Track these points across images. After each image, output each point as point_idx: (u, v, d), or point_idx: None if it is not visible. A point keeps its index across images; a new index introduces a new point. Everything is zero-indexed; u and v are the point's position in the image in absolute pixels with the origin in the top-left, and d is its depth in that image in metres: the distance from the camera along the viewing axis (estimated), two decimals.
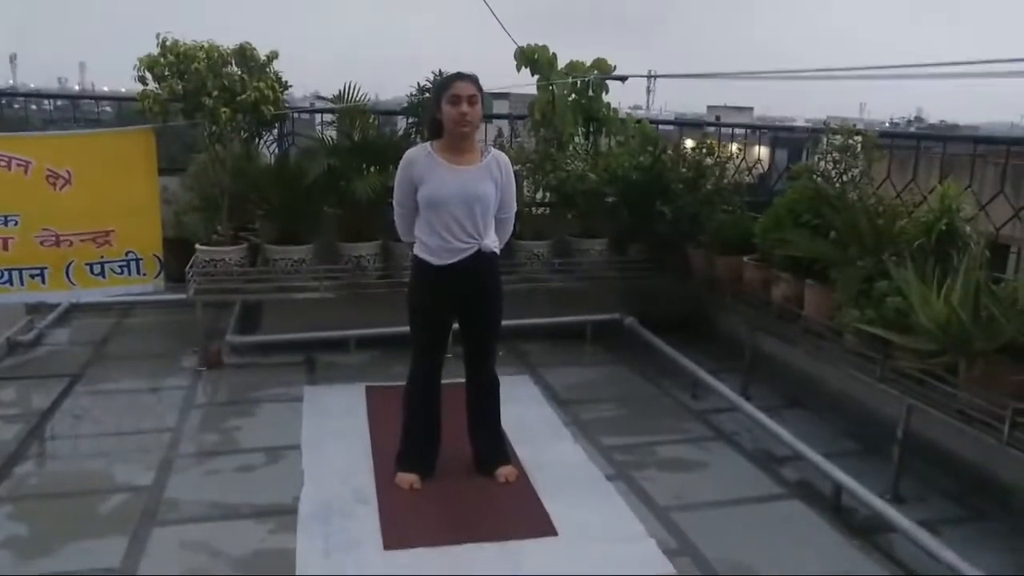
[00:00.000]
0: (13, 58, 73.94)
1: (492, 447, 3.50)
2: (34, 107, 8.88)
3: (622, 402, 4.47)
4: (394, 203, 3.38)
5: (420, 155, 3.24)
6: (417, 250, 3.30)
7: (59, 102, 9.10)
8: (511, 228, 3.52)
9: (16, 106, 8.61)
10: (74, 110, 8.00)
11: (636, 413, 4.33)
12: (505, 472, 3.44)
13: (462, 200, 3.17)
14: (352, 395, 4.37)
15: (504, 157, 3.37)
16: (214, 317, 5.21)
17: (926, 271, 3.21)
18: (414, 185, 3.23)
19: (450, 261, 3.22)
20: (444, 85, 3.19)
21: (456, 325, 3.44)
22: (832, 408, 4.19)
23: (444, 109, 3.15)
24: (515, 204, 3.46)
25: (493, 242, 3.31)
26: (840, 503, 3.28)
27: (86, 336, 5.30)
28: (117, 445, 3.78)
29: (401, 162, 3.30)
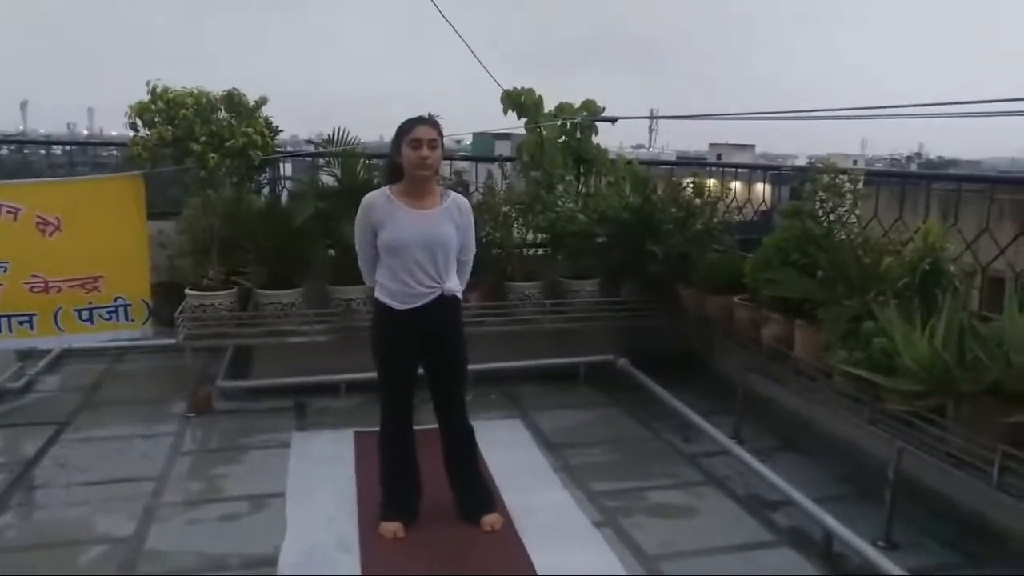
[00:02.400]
0: (24, 104, 74.93)
1: (475, 495, 3.44)
2: (43, 152, 9.01)
3: (613, 446, 4.41)
4: (357, 248, 3.37)
5: (379, 199, 3.23)
6: (379, 294, 3.28)
7: (66, 147, 9.21)
8: (470, 271, 3.50)
9: (26, 151, 8.74)
10: (71, 156, 8.09)
11: (627, 457, 4.26)
12: (490, 520, 3.37)
13: (423, 244, 3.16)
14: (340, 441, 4.31)
15: (464, 201, 3.38)
16: (206, 362, 5.19)
17: (911, 311, 3.18)
18: (374, 229, 3.22)
19: (412, 306, 3.20)
20: (405, 129, 3.18)
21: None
22: (824, 451, 4.12)
23: (404, 152, 3.15)
24: (474, 247, 3.46)
25: (456, 285, 3.30)
26: (831, 550, 3.20)
27: (77, 382, 5.27)
28: (101, 494, 3.72)
29: (360, 206, 3.29)
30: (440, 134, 3.20)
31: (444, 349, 3.31)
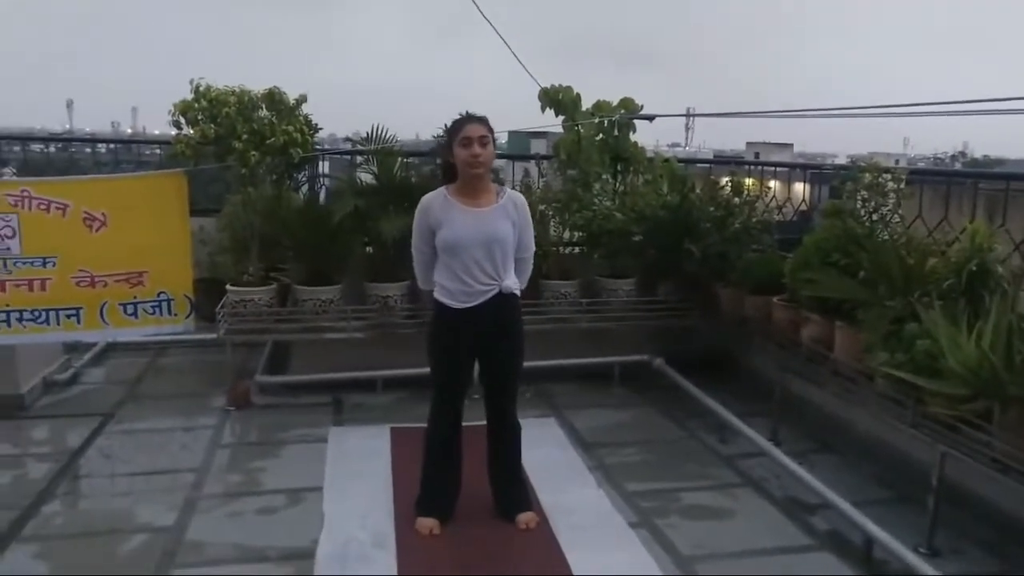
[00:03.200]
0: (70, 104, 76.72)
1: (513, 493, 3.45)
2: (88, 150, 9.21)
3: (649, 446, 4.38)
4: (413, 249, 3.39)
5: (436, 200, 3.26)
6: (438, 294, 3.29)
7: (111, 145, 9.41)
8: (531, 268, 3.49)
9: (73, 149, 8.94)
10: (116, 154, 8.25)
11: (662, 457, 4.24)
12: (526, 519, 3.38)
13: (481, 242, 3.17)
14: (377, 437, 4.35)
15: (520, 197, 3.38)
16: (245, 357, 5.26)
17: (956, 313, 3.11)
18: (431, 230, 3.24)
19: (471, 304, 3.20)
20: (455, 128, 3.21)
21: (477, 368, 3.43)
22: (863, 453, 4.05)
23: (456, 152, 3.16)
24: (533, 244, 3.45)
25: (514, 283, 3.29)
26: (871, 555, 3.15)
27: (121, 375, 5.39)
28: (143, 485, 3.80)
29: (418, 208, 3.31)
30: (490, 130, 3.21)
31: (501, 347, 3.32)
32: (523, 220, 3.31)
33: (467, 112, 3.29)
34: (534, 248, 3.47)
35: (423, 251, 3.34)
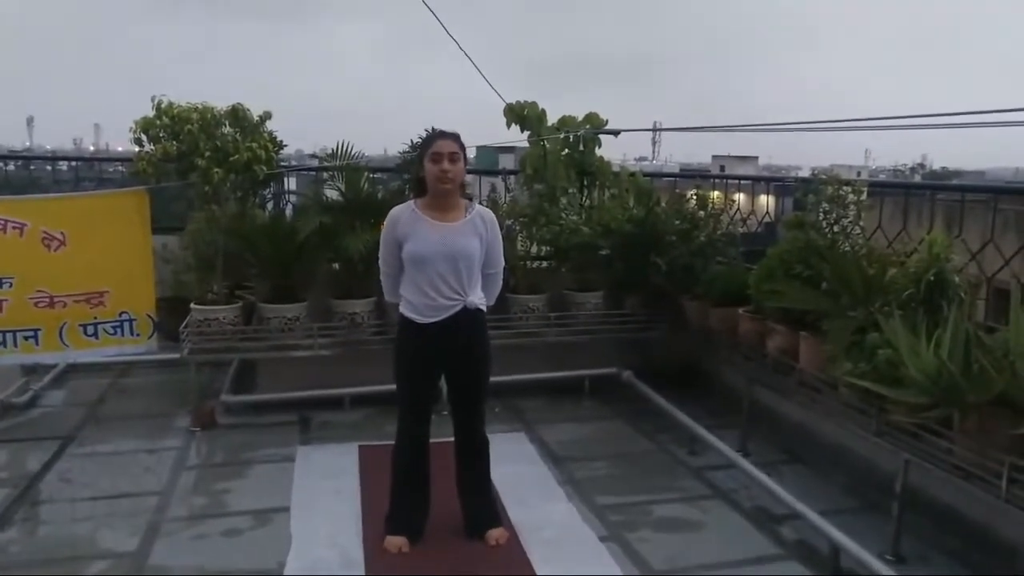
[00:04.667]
0: (30, 121, 75.60)
1: (482, 509, 3.43)
2: (49, 168, 9.07)
3: (618, 459, 4.39)
4: (380, 262, 3.38)
5: (404, 213, 3.25)
6: (403, 308, 3.28)
7: (72, 163, 9.28)
8: (500, 284, 3.49)
9: (32, 167, 8.79)
10: (77, 172, 8.14)
11: (632, 470, 4.24)
12: (496, 535, 3.36)
13: (446, 257, 3.17)
14: (345, 455, 4.30)
15: (489, 213, 3.38)
16: (211, 377, 5.19)
17: (916, 322, 3.17)
18: (399, 243, 3.23)
19: (435, 319, 3.20)
20: (426, 143, 3.22)
21: (444, 384, 3.42)
22: (831, 463, 4.09)
23: (426, 166, 3.17)
24: (503, 260, 3.45)
25: (480, 299, 3.29)
26: (839, 564, 3.17)
27: (81, 397, 5.27)
28: (105, 509, 3.72)
29: (386, 220, 3.31)
30: (462, 147, 3.21)
31: (468, 363, 3.31)
32: (492, 235, 3.31)
33: (434, 128, 3.30)
34: (503, 263, 3.47)
35: (390, 263, 3.32)
